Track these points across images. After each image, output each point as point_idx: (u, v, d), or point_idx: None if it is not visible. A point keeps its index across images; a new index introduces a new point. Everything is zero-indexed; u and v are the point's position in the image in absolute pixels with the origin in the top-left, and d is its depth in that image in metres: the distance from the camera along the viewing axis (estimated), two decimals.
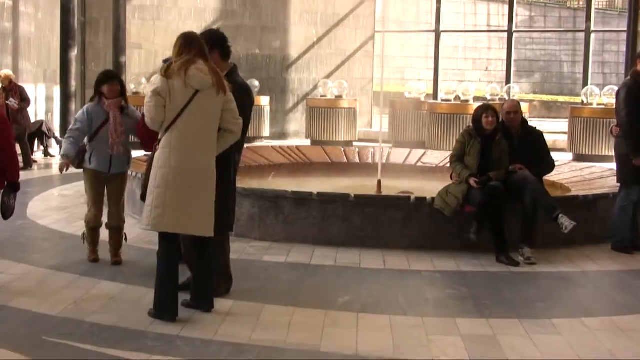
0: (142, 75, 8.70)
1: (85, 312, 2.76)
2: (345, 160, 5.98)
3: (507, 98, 8.22)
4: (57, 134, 7.64)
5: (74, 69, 7.85)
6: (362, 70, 10.18)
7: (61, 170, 3.43)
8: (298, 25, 9.87)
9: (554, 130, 9.49)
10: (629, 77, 4.06)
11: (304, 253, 3.75)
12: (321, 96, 9.13)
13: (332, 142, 8.36)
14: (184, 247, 2.83)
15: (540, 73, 14.75)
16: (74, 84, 7.89)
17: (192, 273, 2.88)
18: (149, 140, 2.96)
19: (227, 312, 2.81)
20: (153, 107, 2.65)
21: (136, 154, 3.84)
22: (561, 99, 13.81)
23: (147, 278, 2.99)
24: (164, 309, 2.70)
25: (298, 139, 9.40)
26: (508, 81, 9.44)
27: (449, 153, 4.56)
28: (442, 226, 3.87)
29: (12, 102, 6.45)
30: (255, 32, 9.72)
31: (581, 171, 5.25)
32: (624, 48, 9.02)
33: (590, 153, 7.73)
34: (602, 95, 8.10)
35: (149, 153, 2.92)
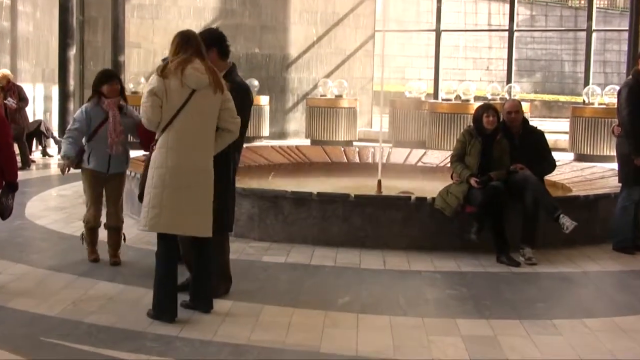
0: (141, 74, 8.69)
1: (84, 313, 2.75)
2: (345, 160, 5.97)
3: (508, 97, 8.20)
4: (56, 133, 7.63)
5: (72, 68, 7.83)
6: (362, 69, 10.16)
7: (63, 171, 3.42)
8: (298, 25, 9.86)
9: (555, 130, 9.48)
10: (630, 77, 4.04)
11: (304, 253, 3.74)
12: (321, 96, 9.12)
13: (332, 141, 8.35)
14: (182, 248, 2.82)
15: (541, 72, 14.74)
16: (72, 83, 7.87)
17: (191, 273, 2.87)
18: (148, 140, 2.95)
19: (227, 312, 2.80)
20: (149, 108, 2.64)
21: (135, 153, 3.83)
22: (562, 98, 13.80)
23: (146, 278, 2.98)
24: (163, 310, 2.69)
25: (298, 139, 9.38)
26: (509, 80, 9.43)
27: (449, 153, 4.55)
28: (443, 226, 3.86)
29: (11, 102, 6.44)
30: (255, 32, 9.71)
31: (582, 171, 5.24)
32: (625, 47, 9.00)
33: (591, 153, 7.71)
34: (604, 95, 8.08)
35: (148, 153, 2.91)
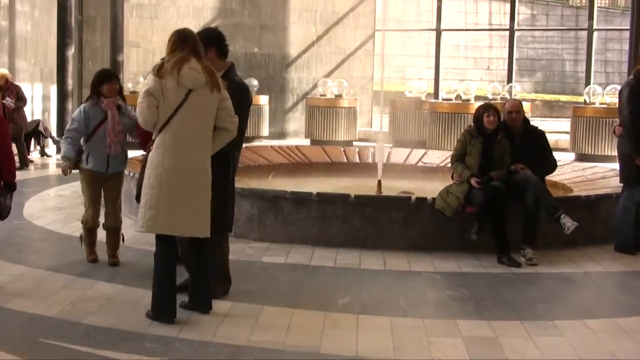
0: (139, 74, 8.67)
1: (82, 314, 2.74)
2: (345, 160, 5.96)
3: (508, 97, 8.18)
4: (54, 133, 7.61)
5: (71, 67, 7.80)
6: (362, 69, 10.14)
7: (65, 172, 3.42)
8: (297, 24, 9.84)
9: (556, 130, 9.46)
10: (631, 76, 4.03)
11: (304, 254, 3.73)
12: (321, 95, 9.10)
13: (331, 141, 8.33)
14: (180, 248, 2.81)
15: (542, 72, 14.72)
16: (71, 83, 7.84)
17: (190, 274, 2.86)
18: (147, 140, 2.94)
19: (226, 313, 2.79)
20: (146, 108, 2.62)
21: (133, 153, 3.81)
22: (563, 98, 13.77)
23: (144, 279, 2.97)
24: (162, 311, 2.67)
25: (297, 139, 9.37)
26: (510, 80, 9.41)
27: (449, 153, 4.54)
28: (443, 227, 3.85)
29: (9, 102, 6.42)
30: (254, 31, 9.69)
31: (583, 171, 5.23)
32: (626, 46, 8.97)
33: (592, 153, 7.69)
34: (605, 95, 8.05)
35: (145, 153, 2.90)
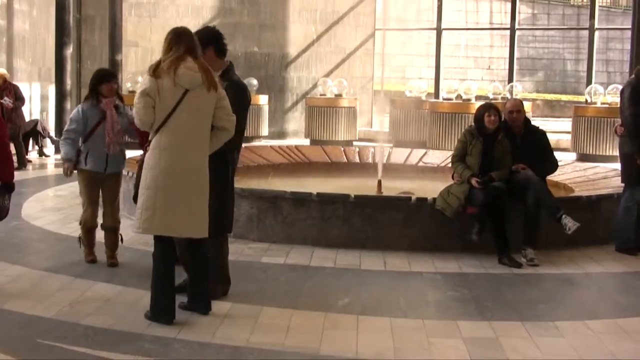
0: (138, 73, 8.65)
1: (81, 315, 2.73)
2: (345, 160, 5.95)
3: (509, 97, 8.17)
4: (52, 133, 7.59)
5: (69, 67, 7.77)
6: (362, 68, 10.13)
7: (66, 173, 3.40)
8: (297, 23, 9.83)
9: (557, 130, 9.46)
10: (633, 76, 4.03)
11: (303, 254, 3.72)
12: (320, 95, 9.09)
13: (331, 141, 8.32)
14: (179, 249, 2.79)
15: (543, 71, 14.69)
16: (69, 82, 7.82)
17: (188, 275, 2.85)
18: (146, 140, 2.92)
19: (225, 314, 2.78)
20: (142, 109, 2.61)
21: (131, 153, 3.80)
22: (564, 97, 13.75)
23: (143, 280, 2.96)
24: (161, 311, 2.66)
25: (297, 139, 9.36)
26: (510, 80, 9.40)
27: (450, 153, 4.53)
28: (444, 227, 3.84)
29: (7, 101, 6.41)
30: (254, 30, 9.67)
31: (585, 171, 5.21)
32: (628, 46, 8.95)
33: (594, 153, 7.67)
34: (606, 94, 8.04)
35: (142, 153, 2.88)
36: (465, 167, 3.79)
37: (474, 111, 4.08)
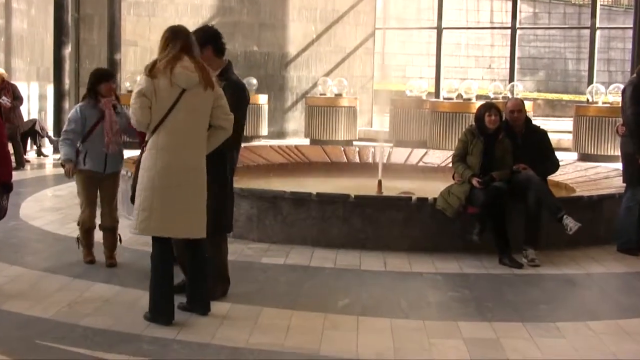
0: (137, 73, 8.60)
1: (79, 315, 2.72)
2: (345, 160, 5.93)
3: (510, 96, 8.14)
4: (51, 133, 7.57)
5: (67, 66, 7.76)
6: (363, 68, 10.11)
7: (69, 175, 3.39)
8: (297, 22, 9.81)
9: (558, 129, 9.43)
10: (635, 75, 4.01)
11: (303, 255, 3.71)
12: (320, 94, 9.07)
13: (331, 141, 8.30)
14: (176, 249, 2.78)
15: (544, 71, 14.67)
16: (67, 82, 7.80)
17: (185, 275, 2.83)
18: (144, 140, 2.91)
19: (224, 315, 2.77)
20: (138, 109, 2.59)
21: (131, 153, 3.78)
22: (566, 97, 13.73)
23: (142, 280, 2.95)
24: (160, 312, 2.65)
25: (297, 138, 9.34)
26: (511, 79, 9.38)
27: (451, 152, 4.52)
28: (444, 227, 3.82)
29: (5, 101, 6.40)
30: (253, 29, 9.65)
31: (586, 171, 5.20)
32: (629, 45, 8.95)
33: (595, 152, 7.66)
34: (608, 94, 8.02)
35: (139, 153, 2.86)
36: (466, 167, 3.77)
37: (474, 111, 4.06)
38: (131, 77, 8.50)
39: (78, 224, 3.47)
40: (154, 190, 2.59)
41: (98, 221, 3.46)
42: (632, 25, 8.38)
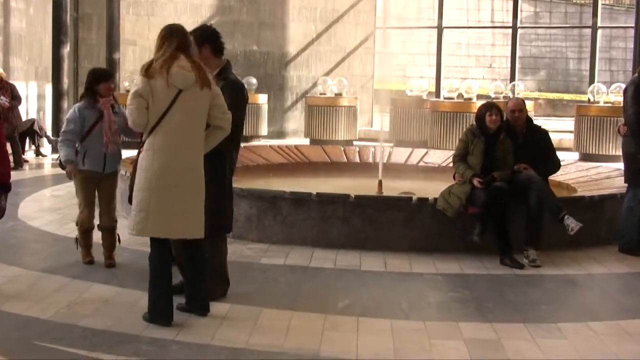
0: (136, 72, 8.56)
1: (78, 316, 2.71)
2: (345, 159, 5.92)
3: (511, 96, 8.14)
4: (49, 132, 7.57)
5: (66, 66, 7.76)
6: (363, 67, 10.10)
7: (70, 176, 3.38)
8: (297, 21, 9.80)
9: (559, 129, 9.41)
10: (636, 74, 4.01)
11: (303, 255, 3.70)
12: (320, 94, 9.06)
13: (331, 141, 8.29)
14: (174, 250, 2.77)
15: (545, 70, 14.65)
16: (66, 81, 7.80)
17: (183, 276, 2.82)
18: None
19: (224, 316, 2.76)
20: (135, 110, 2.58)
21: (129, 153, 3.77)
22: (567, 96, 13.72)
23: (141, 281, 2.93)
24: (159, 313, 2.64)
25: (297, 138, 9.34)
26: (512, 78, 9.36)
27: (451, 152, 4.50)
28: (445, 228, 3.81)
29: (3, 100, 6.39)
30: (253, 28, 9.64)
31: (587, 171, 5.19)
32: (631, 44, 8.93)
33: (597, 152, 7.65)
34: (609, 93, 8.02)
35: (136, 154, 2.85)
36: (466, 167, 3.76)
37: (475, 110, 4.05)
38: (130, 76, 8.49)
39: (77, 225, 3.47)
40: (151, 191, 2.58)
41: (97, 221, 3.46)
42: (633, 25, 8.38)
